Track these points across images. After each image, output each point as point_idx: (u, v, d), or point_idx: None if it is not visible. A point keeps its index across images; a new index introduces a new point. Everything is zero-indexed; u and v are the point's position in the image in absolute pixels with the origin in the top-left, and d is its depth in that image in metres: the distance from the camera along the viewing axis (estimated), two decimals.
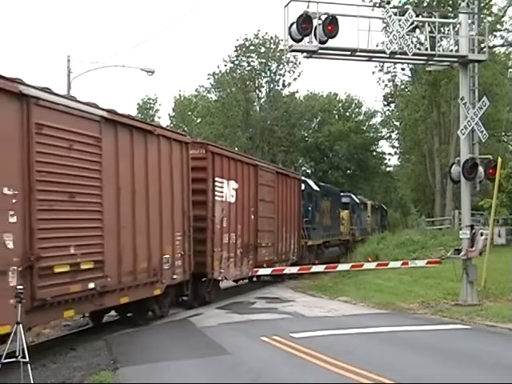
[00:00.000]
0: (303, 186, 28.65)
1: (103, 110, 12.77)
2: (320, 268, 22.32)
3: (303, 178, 30.76)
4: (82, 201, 11.81)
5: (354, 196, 43.55)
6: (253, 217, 21.47)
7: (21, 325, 9.09)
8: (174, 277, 15.76)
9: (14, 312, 9.30)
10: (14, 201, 10.12)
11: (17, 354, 8.97)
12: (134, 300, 13.92)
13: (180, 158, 16.13)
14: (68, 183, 11.46)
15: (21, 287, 9.51)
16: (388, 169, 71.83)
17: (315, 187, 31.19)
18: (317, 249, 30.38)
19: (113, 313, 15.65)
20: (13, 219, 10.08)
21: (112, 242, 12.77)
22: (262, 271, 20.88)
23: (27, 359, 8.96)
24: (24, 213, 10.31)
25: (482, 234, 17.66)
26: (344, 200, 39.30)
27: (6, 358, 9.11)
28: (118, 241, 13.03)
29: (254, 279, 24.74)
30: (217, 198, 18.48)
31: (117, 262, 12.99)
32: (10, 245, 10.02)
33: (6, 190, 9.99)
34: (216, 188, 18.40)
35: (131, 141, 13.71)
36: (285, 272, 21.46)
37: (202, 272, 17.74)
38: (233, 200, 19.69)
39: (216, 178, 18.40)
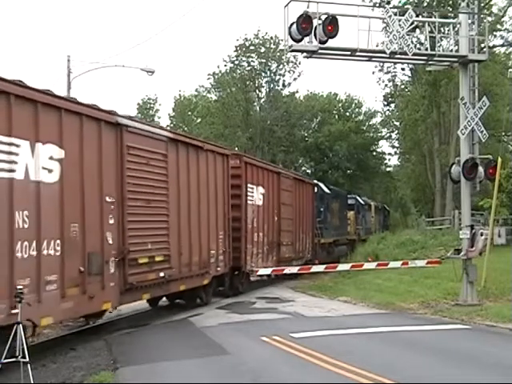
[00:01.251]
0: (316, 189, 31.36)
1: (168, 131, 16.67)
2: (320, 268, 22.36)
3: (315, 181, 33.46)
4: (154, 206, 14.72)
5: (359, 198, 45.62)
6: (276, 218, 24.17)
7: (21, 325, 9.08)
8: (218, 269, 18.58)
9: (114, 292, 12.88)
10: (112, 207, 12.96)
11: (17, 353, 8.96)
12: (189, 288, 16.71)
13: (222, 168, 18.97)
14: (146, 192, 14.32)
15: (20, 287, 9.50)
16: (388, 169, 71.85)
17: (326, 190, 34.01)
18: (328, 247, 32.80)
19: (114, 313, 15.66)
20: (111, 221, 12.96)
21: (174, 239, 15.55)
22: (261, 271, 20.98)
23: (27, 359, 8.96)
24: (118, 216, 13.17)
25: (481, 234, 17.66)
26: (350, 201, 41.65)
27: (6, 358, 9.11)
28: (179, 239, 15.82)
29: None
30: (249, 201, 21.16)
31: (178, 256, 15.76)
32: (110, 241, 12.87)
33: (107, 199, 12.77)
34: (248, 193, 21.10)
35: (187, 156, 16.59)
36: (285, 272, 21.51)
37: (237, 266, 20.31)
38: (260, 203, 22.38)
39: (248, 185, 21.15)
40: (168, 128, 16.67)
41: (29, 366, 9.00)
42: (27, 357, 8.95)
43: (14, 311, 9.68)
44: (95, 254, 12.30)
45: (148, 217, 14.44)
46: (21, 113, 10.41)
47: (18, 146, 10.34)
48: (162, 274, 14.86)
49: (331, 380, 9.36)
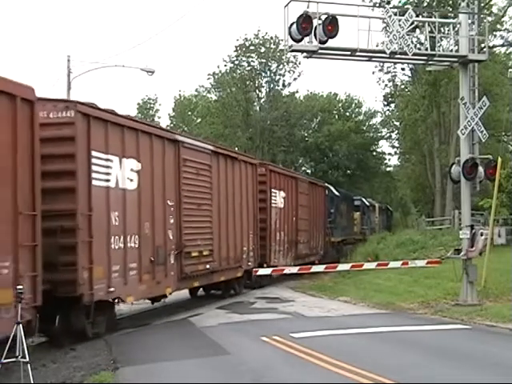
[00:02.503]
0: (326, 192, 34.10)
1: (212, 145, 19.27)
2: (320, 268, 22.41)
3: (327, 184, 36.03)
4: (202, 209, 17.68)
5: (364, 199, 48.02)
6: (294, 219, 26.72)
7: (21, 325, 9.08)
8: (249, 264, 21.26)
9: (174, 279, 15.77)
10: (172, 209, 15.81)
11: (17, 353, 8.96)
12: (226, 279, 19.54)
13: (252, 176, 21.86)
14: (196, 197, 17.26)
15: (20, 287, 9.50)
16: (388, 169, 71.87)
17: (336, 192, 37.11)
18: (337, 245, 35.92)
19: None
20: (172, 221, 15.81)
21: (216, 237, 18.48)
22: (261, 271, 20.98)
23: (27, 359, 8.96)
24: (176, 217, 16.03)
25: (481, 234, 17.66)
26: (356, 203, 44.40)
27: (6, 358, 9.11)
28: (219, 236, 18.73)
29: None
30: (272, 204, 23.98)
31: (219, 251, 18.62)
32: (171, 237, 15.72)
33: (168, 202, 15.65)
34: (272, 197, 23.88)
35: (225, 165, 19.47)
36: (285, 272, 21.56)
37: (263, 261, 22.84)
38: (282, 206, 25.09)
39: (272, 190, 23.95)
40: (210, 142, 19.60)
41: (29, 366, 8.99)
42: (27, 357, 8.95)
43: (110, 289, 12.90)
44: (161, 247, 15.15)
45: (197, 217, 17.38)
46: (113, 135, 13.24)
47: (111, 161, 13.20)
48: (207, 266, 17.76)
49: (331, 380, 9.35)
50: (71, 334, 12.52)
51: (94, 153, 12.58)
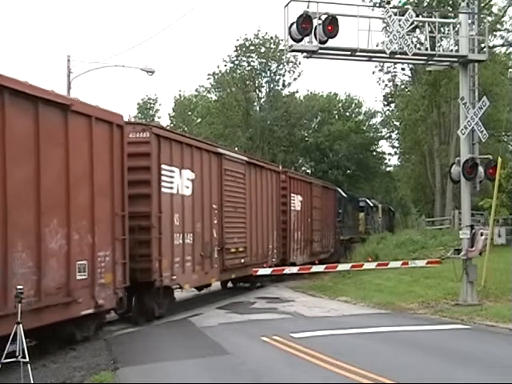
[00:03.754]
0: (336, 194, 37.08)
1: (246, 156, 22.50)
2: (320, 268, 22.44)
3: (336, 187, 38.94)
4: (238, 211, 20.52)
5: (368, 200, 50.32)
6: (309, 220, 29.35)
7: (21, 325, 9.08)
8: (273, 260, 24.21)
9: (217, 271, 18.65)
10: (216, 211, 18.68)
11: (17, 354, 8.96)
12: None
13: (276, 182, 24.83)
14: (234, 201, 20.11)
15: (20, 287, 9.50)
16: (388, 169, 71.88)
17: (344, 194, 40.29)
18: (345, 243, 38.51)
19: (113, 314, 15.66)
20: (215, 221, 18.68)
21: (248, 235, 21.37)
22: (261, 271, 21.06)
23: (27, 359, 8.95)
24: (219, 218, 18.92)
25: (481, 234, 17.66)
26: (361, 204, 46.86)
27: (6, 358, 9.11)
28: (251, 235, 21.65)
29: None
30: (291, 207, 26.47)
31: (250, 248, 21.55)
32: (215, 235, 18.58)
33: (213, 206, 18.53)
34: (291, 201, 26.42)
35: (255, 174, 22.37)
36: (285, 272, 21.61)
37: (284, 258, 25.49)
38: (299, 208, 27.63)
39: (291, 194, 26.43)
40: (244, 154, 23.22)
41: (29, 366, 8.99)
42: (27, 357, 8.94)
43: (173, 277, 15.66)
44: (208, 243, 17.98)
45: (235, 219, 20.18)
46: (175, 150, 16.10)
47: (174, 172, 15.98)
48: (242, 261, 20.63)
49: (331, 380, 9.35)
50: (144, 313, 15.23)
51: (162, 165, 15.40)
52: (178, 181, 16.21)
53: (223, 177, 19.23)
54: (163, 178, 15.38)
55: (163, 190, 15.35)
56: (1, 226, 9.71)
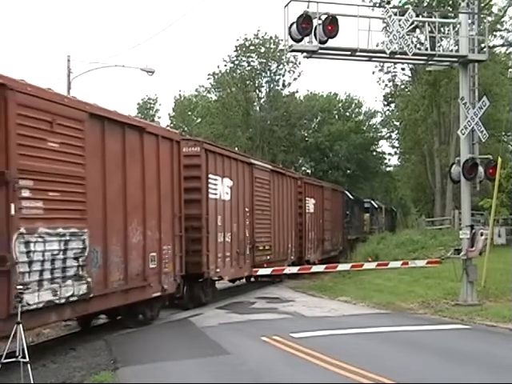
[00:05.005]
0: (344, 196, 39.89)
1: (271, 165, 25.64)
2: (320, 268, 22.52)
3: (343, 189, 41.42)
4: (265, 214, 23.25)
5: (372, 201, 52.84)
6: (321, 221, 31.90)
7: (21, 325, 9.08)
8: (292, 258, 26.80)
9: (249, 266, 21.34)
10: (248, 214, 21.42)
11: (17, 354, 8.96)
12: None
13: (294, 188, 27.47)
14: (261, 205, 22.79)
15: (21, 287, 9.51)
16: (388, 169, 71.86)
17: (351, 196, 43.06)
18: (352, 242, 40.60)
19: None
20: (247, 222, 21.38)
21: (272, 235, 24.06)
22: (261, 271, 21.21)
23: (27, 359, 8.95)
24: (250, 220, 21.64)
25: (481, 234, 17.66)
26: (366, 205, 49.69)
27: (6, 358, 9.11)
28: (274, 235, 24.31)
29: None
30: (306, 210, 29.12)
31: (274, 246, 24.22)
32: (247, 234, 21.33)
33: (246, 209, 21.24)
34: (306, 204, 29.17)
35: (278, 180, 25.09)
36: (285, 272, 21.72)
37: (300, 256, 28.02)
38: (312, 210, 30.25)
39: (306, 198, 29.13)
40: (269, 162, 26.41)
41: (29, 366, 8.99)
42: (27, 357, 8.95)
43: (217, 270, 18.46)
44: (242, 242, 20.68)
45: (262, 220, 22.87)
46: (218, 162, 18.89)
47: (217, 180, 18.72)
48: (268, 258, 23.25)
49: (331, 380, 9.35)
50: (193, 300, 17.93)
51: (209, 175, 18.14)
52: (221, 188, 19.03)
53: (254, 183, 22.09)
54: (210, 185, 18.16)
55: (210, 195, 18.14)
56: (103, 225, 12.47)
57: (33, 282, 10.27)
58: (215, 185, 18.55)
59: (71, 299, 11.28)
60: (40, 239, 10.48)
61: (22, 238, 10.04)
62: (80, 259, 11.55)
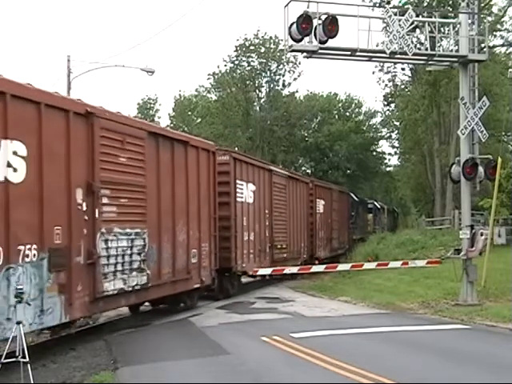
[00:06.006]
0: (349, 198, 42.32)
1: (287, 171, 28.60)
2: (320, 268, 22.52)
3: (349, 191, 43.71)
4: (281, 215, 25.34)
5: (375, 202, 55.13)
6: (329, 220, 34.25)
7: (21, 325, 9.08)
8: (304, 256, 28.84)
9: (268, 262, 23.43)
10: (267, 216, 23.67)
11: (17, 354, 8.96)
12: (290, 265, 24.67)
13: (306, 191, 29.88)
14: (279, 207, 25.04)
15: (21, 287, 9.51)
16: (388, 169, 71.81)
17: (356, 198, 45.76)
18: (357, 242, 41.91)
19: (114, 313, 15.68)
20: (267, 223, 23.68)
21: (288, 235, 26.18)
22: (261, 271, 21.19)
23: (27, 359, 8.95)
24: (270, 221, 23.95)
25: (481, 234, 17.66)
26: (369, 206, 51.88)
27: (6, 358, 9.11)
28: (290, 235, 26.43)
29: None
30: (317, 210, 31.31)
31: (289, 245, 26.36)
32: (267, 234, 23.64)
33: (266, 211, 23.47)
34: (316, 205, 31.26)
35: (293, 184, 27.41)
36: (285, 272, 21.67)
37: (311, 254, 30.28)
38: (322, 211, 32.49)
39: (317, 199, 31.44)
40: (285, 169, 27.78)
41: (29, 366, 8.99)
42: (27, 357, 8.95)
43: (243, 265, 20.75)
44: (262, 241, 23.05)
45: (279, 221, 25.00)
46: (244, 169, 21.28)
47: (242, 185, 20.97)
48: (284, 255, 25.34)
49: (331, 380, 9.35)
50: (222, 292, 20.01)
51: (237, 180, 20.43)
52: (246, 192, 21.29)
53: (272, 188, 24.29)
54: (237, 190, 20.48)
55: (237, 199, 20.49)
56: (157, 226, 14.74)
57: (110, 272, 12.69)
58: (241, 189, 20.86)
59: (135, 288, 13.67)
60: (114, 237, 12.88)
61: (103, 236, 12.42)
62: (141, 254, 13.91)
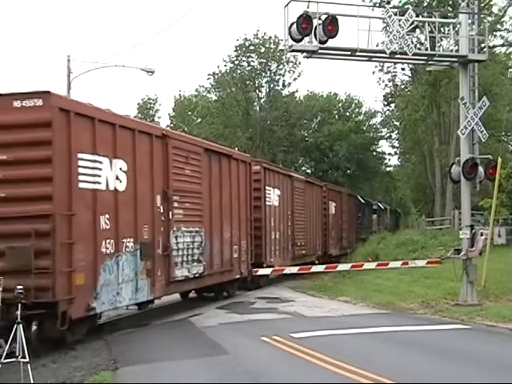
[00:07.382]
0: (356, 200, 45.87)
1: (304, 176, 31.69)
2: (320, 268, 22.49)
3: (356, 194, 47.59)
4: (301, 216, 28.62)
5: (380, 204, 57.91)
6: (340, 221, 38.08)
7: (21, 325, 9.08)
8: (319, 253, 32.22)
9: (290, 258, 26.61)
10: (289, 217, 26.72)
11: (17, 353, 8.96)
12: (308, 261, 28.42)
13: (320, 194, 33.62)
14: (299, 209, 28.30)
15: (20, 287, 9.52)
16: (388, 169, 71.74)
17: (362, 200, 48.59)
18: (363, 241, 43.17)
19: (114, 313, 15.68)
20: (289, 223, 26.74)
21: (306, 234, 29.55)
22: (261, 271, 21.14)
23: (27, 359, 8.95)
24: (291, 221, 27.11)
25: (481, 234, 17.66)
26: (374, 207, 54.68)
27: (6, 358, 9.11)
28: (307, 234, 29.79)
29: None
30: (330, 212, 34.92)
31: (307, 243, 29.57)
32: (289, 233, 26.61)
33: (288, 212, 26.63)
34: (329, 207, 34.76)
35: (310, 188, 30.91)
36: (285, 272, 21.71)
37: (324, 251, 33.34)
38: (333, 212, 36.31)
39: (329, 201, 34.97)
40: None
41: (29, 366, 8.99)
42: (27, 357, 8.94)
43: (271, 260, 23.80)
44: (286, 239, 26.05)
45: (299, 221, 28.29)
46: (271, 175, 24.64)
47: (271, 190, 24.10)
48: (303, 252, 28.71)
49: (331, 380, 9.36)
50: (253, 283, 22.57)
51: (266, 187, 23.53)
52: (273, 196, 24.39)
53: (294, 192, 27.35)
54: (266, 194, 23.49)
55: (267, 203, 23.58)
56: (210, 226, 17.89)
57: (178, 262, 15.98)
58: (269, 194, 23.97)
59: (195, 275, 16.89)
60: (182, 234, 16.14)
61: (174, 233, 15.72)
62: (200, 249, 17.11)
